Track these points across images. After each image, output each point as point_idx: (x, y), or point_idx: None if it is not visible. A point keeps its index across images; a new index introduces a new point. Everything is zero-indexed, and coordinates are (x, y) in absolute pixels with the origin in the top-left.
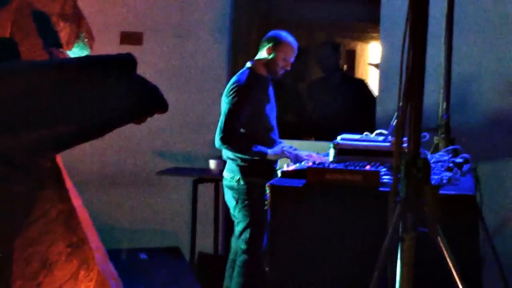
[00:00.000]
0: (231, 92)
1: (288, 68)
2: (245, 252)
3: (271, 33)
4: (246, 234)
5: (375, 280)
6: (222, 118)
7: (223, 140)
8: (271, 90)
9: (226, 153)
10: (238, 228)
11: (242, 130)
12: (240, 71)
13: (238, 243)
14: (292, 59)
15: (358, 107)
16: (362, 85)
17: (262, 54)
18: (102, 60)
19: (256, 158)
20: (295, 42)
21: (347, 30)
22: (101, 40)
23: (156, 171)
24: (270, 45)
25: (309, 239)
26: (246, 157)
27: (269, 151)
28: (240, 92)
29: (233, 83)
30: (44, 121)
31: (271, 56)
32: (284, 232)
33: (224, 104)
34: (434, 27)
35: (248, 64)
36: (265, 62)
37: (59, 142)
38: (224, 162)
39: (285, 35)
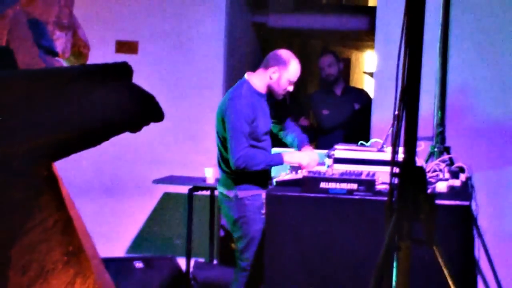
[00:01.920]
0: (228, 112)
1: (291, 90)
2: (247, 268)
3: (279, 54)
4: (247, 253)
5: None
6: (229, 142)
7: (239, 164)
8: (266, 105)
9: (220, 164)
10: (239, 245)
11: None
12: (236, 85)
13: (237, 260)
14: (295, 80)
15: (360, 116)
16: (363, 94)
17: (266, 74)
18: (97, 69)
19: (273, 166)
20: (299, 64)
21: (343, 39)
22: (96, 49)
23: (151, 179)
24: (276, 68)
25: (305, 248)
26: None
27: (285, 157)
28: (237, 110)
29: (230, 100)
30: (41, 130)
31: (277, 80)
32: (280, 240)
33: (226, 123)
34: (429, 36)
35: (246, 77)
36: (270, 84)
37: (57, 150)
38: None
39: (291, 58)
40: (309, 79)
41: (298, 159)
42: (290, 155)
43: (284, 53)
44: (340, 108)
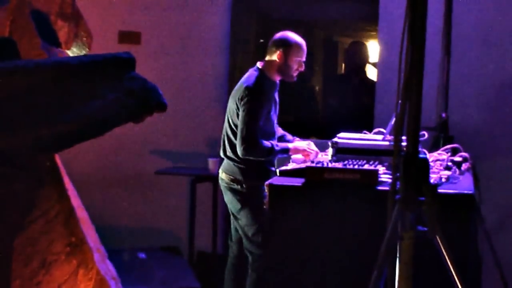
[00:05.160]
0: (245, 99)
1: (302, 69)
2: (263, 256)
3: (279, 37)
4: (258, 238)
5: (374, 279)
6: (240, 127)
7: (246, 150)
8: (277, 95)
9: (225, 152)
10: (249, 233)
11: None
12: (249, 73)
13: (249, 248)
14: (304, 59)
15: (370, 109)
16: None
17: (273, 59)
18: (101, 59)
19: (280, 156)
20: (303, 41)
21: (346, 28)
22: (99, 39)
23: (154, 170)
24: (280, 50)
25: (308, 238)
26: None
27: (290, 145)
28: (254, 96)
29: (245, 88)
30: (44, 120)
31: (283, 61)
32: (283, 231)
33: (239, 111)
34: (432, 25)
35: (258, 65)
36: (278, 68)
37: (59, 141)
38: (222, 161)
39: (292, 36)
40: (313, 70)
41: (303, 146)
42: (294, 145)
43: (284, 34)
44: (353, 97)
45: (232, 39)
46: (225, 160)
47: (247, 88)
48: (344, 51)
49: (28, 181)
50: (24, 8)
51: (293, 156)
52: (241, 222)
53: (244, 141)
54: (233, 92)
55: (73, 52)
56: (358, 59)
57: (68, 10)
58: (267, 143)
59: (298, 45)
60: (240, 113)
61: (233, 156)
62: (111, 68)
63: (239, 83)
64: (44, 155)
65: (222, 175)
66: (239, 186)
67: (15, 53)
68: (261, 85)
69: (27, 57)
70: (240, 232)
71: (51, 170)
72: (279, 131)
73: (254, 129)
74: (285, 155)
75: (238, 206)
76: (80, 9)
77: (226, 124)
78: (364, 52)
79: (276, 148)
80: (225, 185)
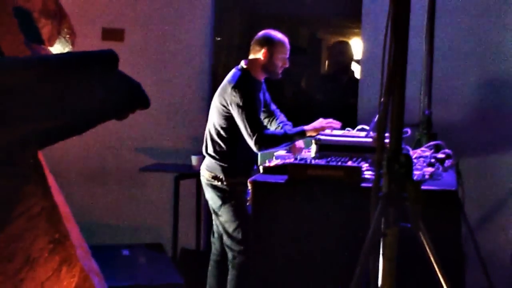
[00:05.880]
0: (235, 99)
1: (287, 66)
2: (243, 252)
3: (262, 35)
4: (238, 235)
5: (357, 275)
6: (242, 126)
7: (260, 144)
8: (262, 94)
9: (207, 150)
10: (229, 230)
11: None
12: (233, 73)
13: (229, 245)
14: (288, 55)
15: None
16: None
17: (257, 57)
18: (84, 57)
19: (299, 139)
20: (286, 38)
21: (329, 25)
22: (82, 37)
23: (138, 167)
24: (264, 48)
25: (291, 235)
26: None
27: (305, 127)
28: (243, 93)
29: (233, 89)
30: (28, 118)
31: (268, 59)
32: (266, 228)
33: (233, 113)
34: (415, 22)
35: (243, 65)
36: (263, 66)
37: (44, 138)
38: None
39: (275, 33)
40: (297, 67)
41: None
42: (311, 125)
43: (266, 32)
44: (339, 96)
45: (216, 35)
46: (207, 157)
47: (234, 88)
48: (328, 50)
49: (11, 177)
50: (7, 5)
51: (276, 153)
52: (221, 218)
53: (252, 137)
54: (218, 92)
55: (56, 49)
56: (342, 57)
57: (52, 7)
58: (277, 131)
59: (281, 42)
60: (236, 115)
61: (214, 154)
62: (94, 65)
63: (224, 83)
64: (28, 152)
65: (203, 172)
66: (219, 183)
67: None
68: (247, 83)
69: (10, 55)
70: (220, 228)
71: (34, 167)
72: (281, 118)
73: (257, 122)
74: (303, 138)
75: (219, 202)
76: (63, 6)
77: (209, 122)
78: (348, 51)
79: (289, 132)
80: (206, 181)
